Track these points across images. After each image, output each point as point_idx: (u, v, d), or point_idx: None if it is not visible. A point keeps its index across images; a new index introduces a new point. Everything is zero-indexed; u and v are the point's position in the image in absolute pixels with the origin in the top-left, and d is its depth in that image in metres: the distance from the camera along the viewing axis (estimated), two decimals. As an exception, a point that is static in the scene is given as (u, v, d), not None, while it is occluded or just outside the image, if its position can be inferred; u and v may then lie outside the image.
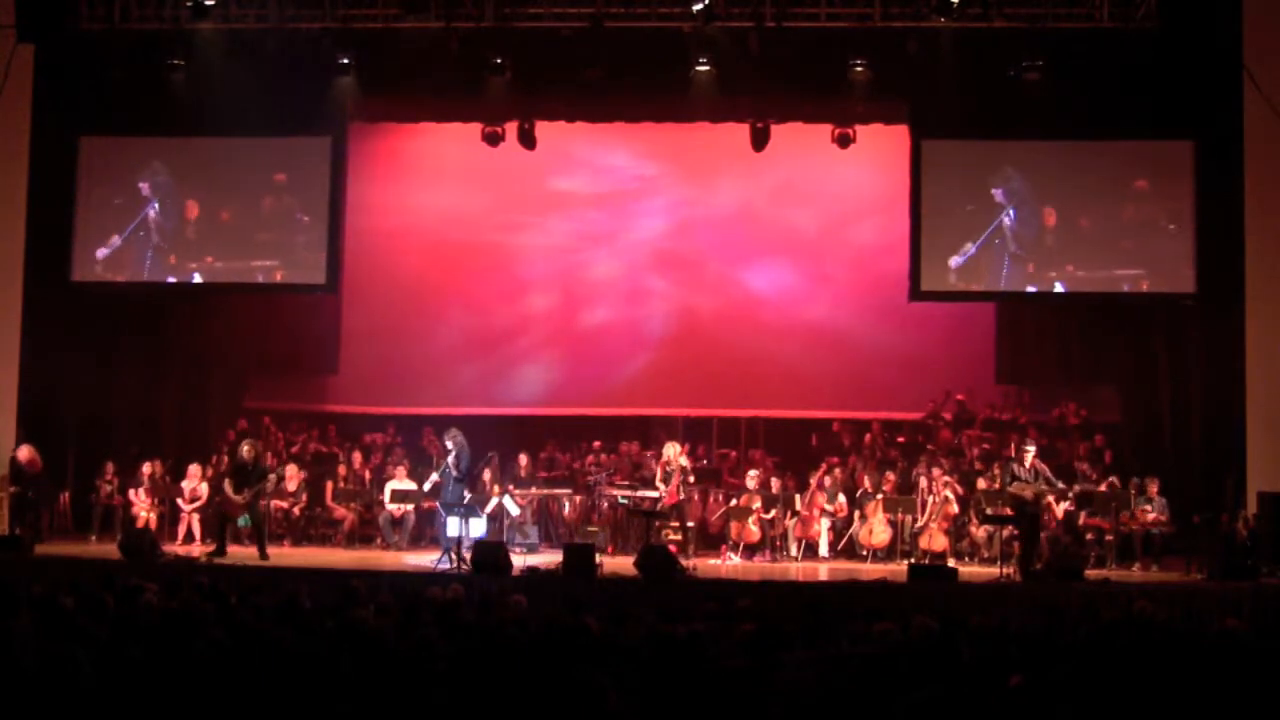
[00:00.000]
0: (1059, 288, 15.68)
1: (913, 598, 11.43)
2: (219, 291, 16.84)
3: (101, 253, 16.30)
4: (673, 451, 14.99)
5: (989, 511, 13.75)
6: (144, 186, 16.25)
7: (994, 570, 13.25)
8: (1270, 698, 5.76)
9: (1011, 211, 15.55)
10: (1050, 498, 14.29)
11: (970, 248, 15.58)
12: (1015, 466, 13.43)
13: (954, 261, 15.60)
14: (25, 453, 14.60)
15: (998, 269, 15.62)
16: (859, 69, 14.89)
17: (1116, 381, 16.44)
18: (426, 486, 14.70)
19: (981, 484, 14.49)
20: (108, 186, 16.42)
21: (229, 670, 5.71)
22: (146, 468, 15.45)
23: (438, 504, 14.59)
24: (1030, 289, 15.80)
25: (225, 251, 16.42)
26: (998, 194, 15.56)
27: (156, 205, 16.28)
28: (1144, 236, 15.56)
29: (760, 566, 14.24)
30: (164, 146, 16.45)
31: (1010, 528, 13.40)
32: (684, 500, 14.92)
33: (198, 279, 16.44)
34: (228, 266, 16.50)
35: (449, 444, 14.27)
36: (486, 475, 15.35)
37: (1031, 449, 13.60)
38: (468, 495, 14.17)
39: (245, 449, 14.13)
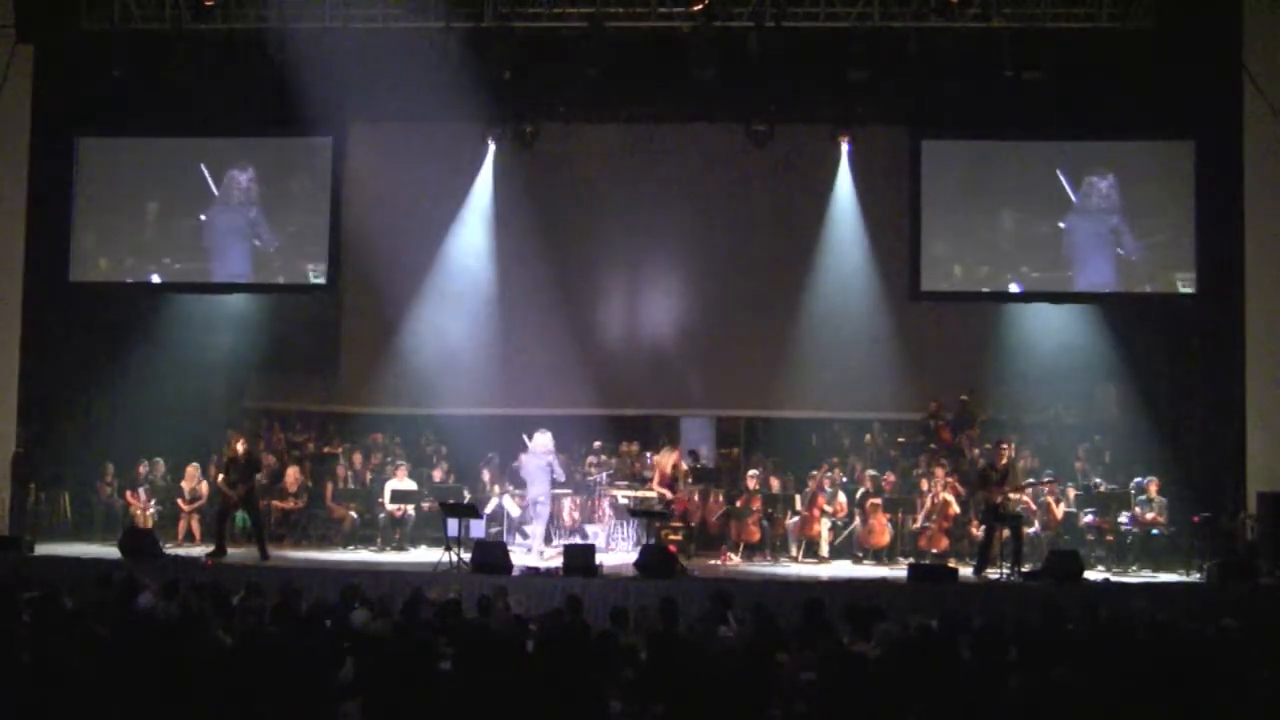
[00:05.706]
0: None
1: (913, 598, 11.45)
2: (219, 291, 16.84)
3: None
4: (670, 459, 15.12)
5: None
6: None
7: (993, 570, 13.29)
8: (1268, 696, 5.77)
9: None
10: (1049, 498, 14.34)
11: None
12: (990, 471, 13.58)
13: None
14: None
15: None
16: (859, 69, 14.87)
17: (1116, 381, 16.43)
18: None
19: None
20: (107, 186, 16.45)
21: (229, 670, 5.72)
22: (146, 468, 15.45)
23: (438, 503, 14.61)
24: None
25: (225, 251, 16.47)
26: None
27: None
28: (1143, 236, 15.57)
29: (760, 567, 14.24)
30: (164, 146, 16.47)
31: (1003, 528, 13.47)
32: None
33: (198, 278, 16.51)
34: (228, 266, 16.54)
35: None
36: (486, 475, 15.39)
37: (1006, 447, 13.85)
38: (466, 495, 14.18)
39: (238, 444, 14.14)
